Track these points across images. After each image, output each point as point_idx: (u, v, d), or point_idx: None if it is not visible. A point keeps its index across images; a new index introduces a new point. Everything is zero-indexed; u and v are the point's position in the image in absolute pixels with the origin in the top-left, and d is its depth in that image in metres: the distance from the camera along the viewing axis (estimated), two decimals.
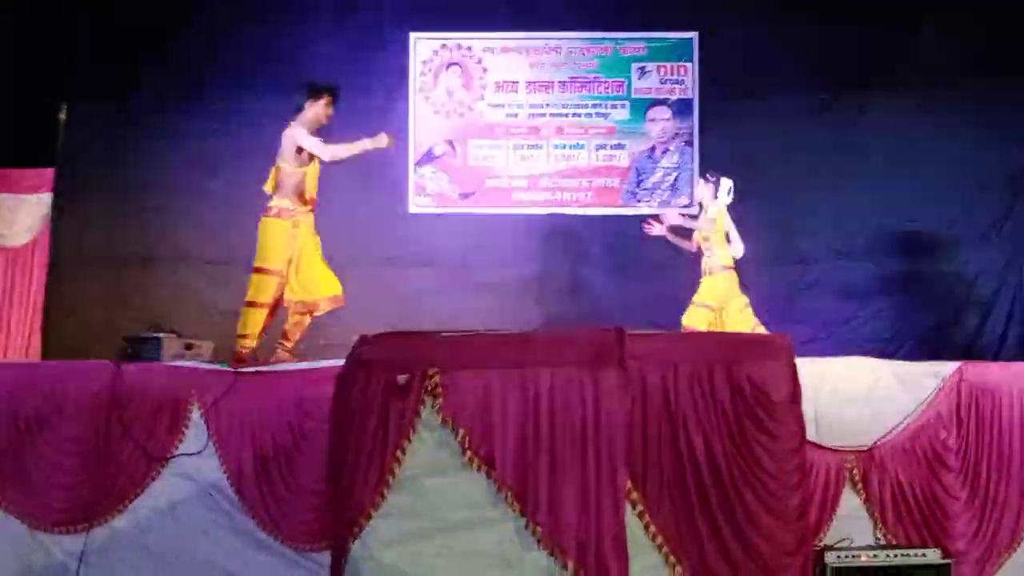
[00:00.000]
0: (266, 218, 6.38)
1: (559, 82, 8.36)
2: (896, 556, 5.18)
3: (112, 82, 8.04)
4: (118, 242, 7.84)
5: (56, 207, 7.92)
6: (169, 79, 8.03)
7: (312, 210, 6.47)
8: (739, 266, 6.90)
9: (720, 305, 6.80)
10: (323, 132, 7.79)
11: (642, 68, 8.36)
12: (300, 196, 6.40)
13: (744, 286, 6.88)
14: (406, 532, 4.64)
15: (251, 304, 6.37)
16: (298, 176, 6.39)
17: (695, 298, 6.91)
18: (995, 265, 7.83)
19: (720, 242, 6.99)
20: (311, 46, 8.16)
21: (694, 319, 6.78)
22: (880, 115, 8.01)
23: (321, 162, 6.48)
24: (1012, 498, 5.57)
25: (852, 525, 5.46)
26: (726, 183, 7.11)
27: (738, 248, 7.01)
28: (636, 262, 7.76)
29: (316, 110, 6.45)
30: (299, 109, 6.43)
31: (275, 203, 6.40)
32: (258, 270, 6.37)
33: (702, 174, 7.32)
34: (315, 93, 6.44)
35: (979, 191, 7.91)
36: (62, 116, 8.06)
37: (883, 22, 8.06)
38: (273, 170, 6.42)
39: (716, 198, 7.07)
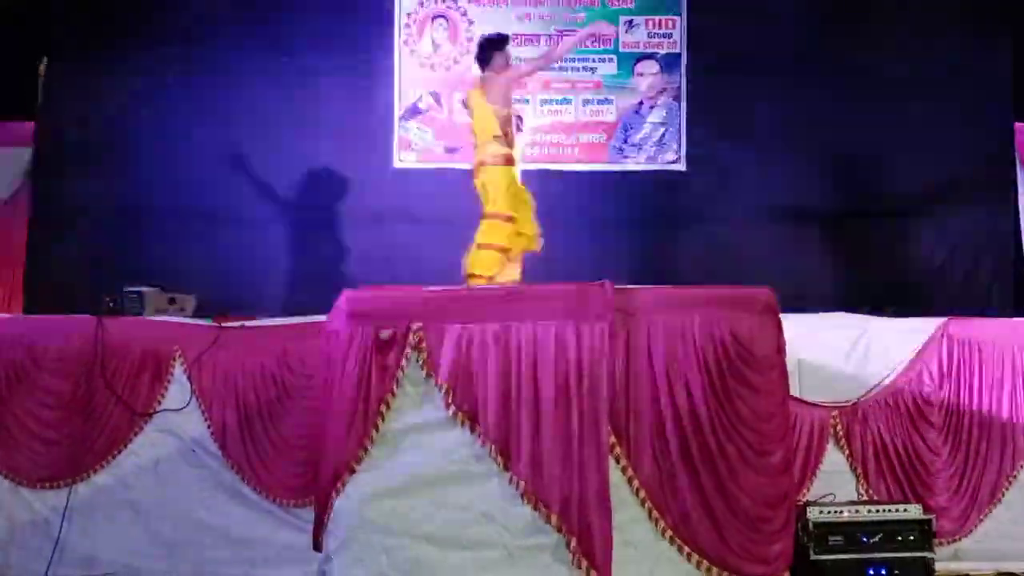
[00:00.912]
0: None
1: (546, 35, 8.26)
2: (878, 511, 5.22)
3: (92, 33, 7.90)
4: (100, 196, 7.73)
5: (36, 161, 7.82)
6: (151, 30, 7.89)
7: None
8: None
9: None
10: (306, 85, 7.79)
11: (630, 21, 8.26)
12: (507, 136, 6.40)
13: None
14: (389, 487, 4.64)
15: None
16: (503, 116, 6.38)
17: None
18: (982, 221, 7.82)
19: None
20: None
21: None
22: (869, 68, 7.93)
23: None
24: (994, 454, 5.62)
25: (835, 480, 5.51)
26: None
27: None
28: (622, 218, 7.73)
29: (504, 55, 6.50)
30: (485, 61, 6.46)
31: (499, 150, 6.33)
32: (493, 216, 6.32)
33: None
34: (498, 43, 6.52)
35: (967, 147, 7.87)
36: (41, 69, 7.93)
37: None
38: (493, 119, 6.33)
39: None
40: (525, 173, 7.97)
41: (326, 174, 7.90)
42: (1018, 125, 7.85)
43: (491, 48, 6.51)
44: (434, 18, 8.28)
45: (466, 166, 7.96)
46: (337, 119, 7.98)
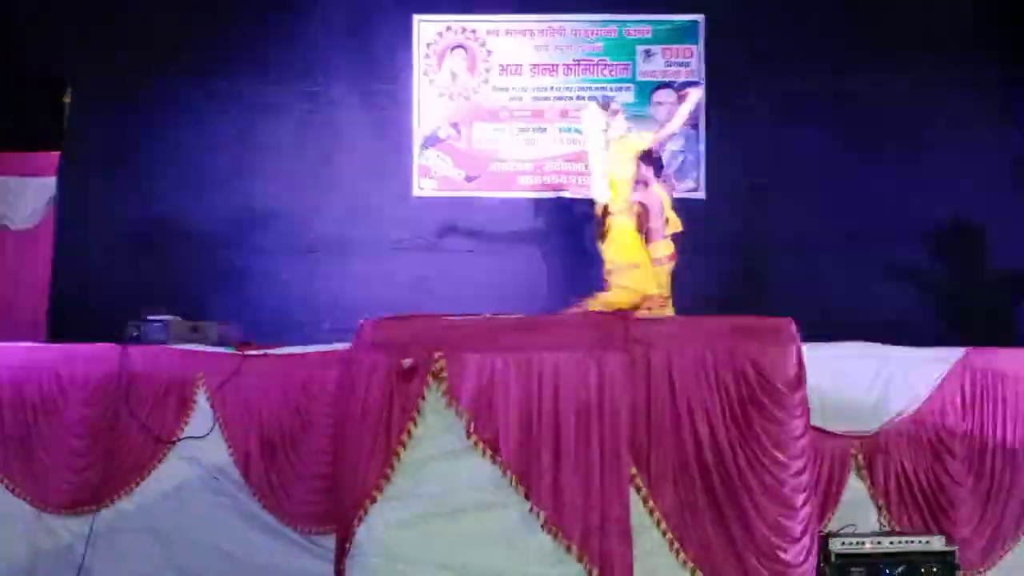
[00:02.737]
0: None
1: (564, 65, 8.30)
2: (900, 543, 5.18)
3: (118, 64, 8.00)
4: (124, 224, 7.81)
5: (61, 190, 7.90)
6: (174, 61, 7.99)
7: None
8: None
9: None
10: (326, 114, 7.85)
11: (647, 51, 8.31)
12: None
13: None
14: (410, 515, 4.65)
15: None
16: None
17: None
18: (1005, 250, 7.78)
19: None
20: (316, 28, 8.14)
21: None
22: (891, 98, 7.93)
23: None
24: (1017, 485, 5.56)
25: (856, 511, 5.46)
26: None
27: None
28: None
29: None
30: None
31: None
32: None
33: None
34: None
35: (991, 176, 7.84)
36: (67, 99, 8.04)
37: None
38: None
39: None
40: (542, 201, 8.06)
41: (346, 203, 7.96)
42: None
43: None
44: (453, 48, 8.35)
45: (485, 194, 8.05)
46: (357, 148, 8.05)
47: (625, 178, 6.55)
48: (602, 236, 6.56)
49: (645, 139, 6.71)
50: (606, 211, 6.53)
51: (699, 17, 8.24)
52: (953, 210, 7.87)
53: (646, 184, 6.80)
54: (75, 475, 5.64)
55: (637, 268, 6.42)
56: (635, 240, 6.50)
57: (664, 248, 6.74)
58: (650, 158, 6.93)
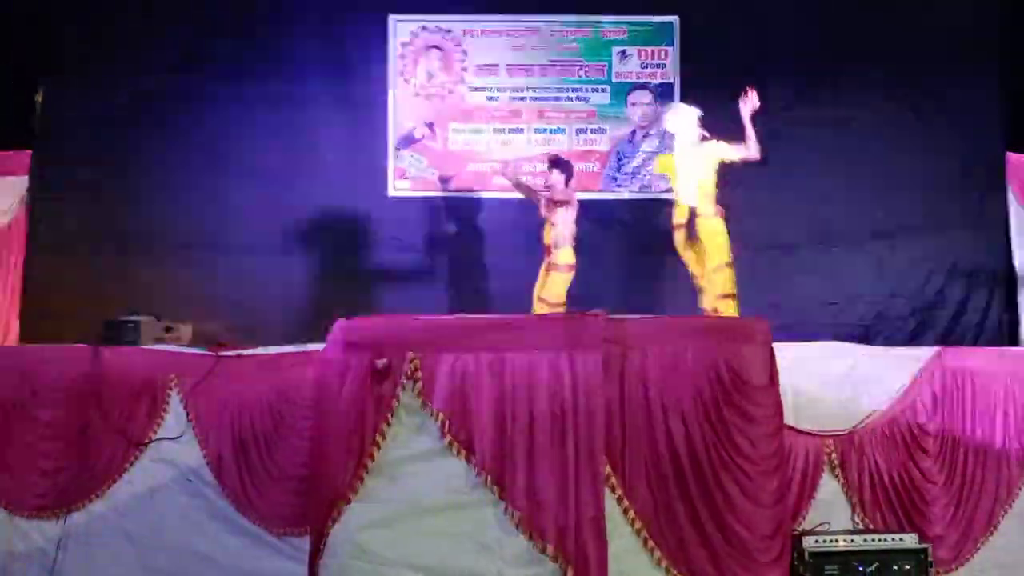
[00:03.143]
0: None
1: (540, 66, 8.31)
2: (874, 540, 5.22)
3: (90, 63, 7.95)
4: (96, 225, 7.76)
5: (33, 190, 7.83)
6: (146, 59, 7.94)
7: None
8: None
9: None
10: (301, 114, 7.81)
11: (623, 52, 8.34)
12: None
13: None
14: (385, 516, 4.64)
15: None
16: None
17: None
18: (975, 251, 7.86)
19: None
20: (290, 27, 8.11)
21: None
22: (862, 99, 8.00)
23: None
24: (989, 482, 5.64)
25: (830, 509, 5.51)
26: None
27: None
28: (616, 247, 7.77)
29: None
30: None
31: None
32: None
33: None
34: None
35: (960, 178, 7.92)
36: (39, 98, 7.97)
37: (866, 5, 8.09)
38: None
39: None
40: (519, 202, 8.06)
41: (322, 203, 7.93)
42: (1010, 155, 7.92)
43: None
44: (428, 48, 8.34)
45: (463, 194, 8.03)
46: (332, 148, 8.02)
47: (712, 180, 6.53)
48: (690, 239, 6.52)
49: (733, 152, 6.59)
50: (693, 214, 6.50)
51: (674, 18, 8.27)
52: (925, 213, 7.94)
53: (555, 198, 6.78)
54: (46, 478, 5.59)
55: (730, 267, 6.40)
56: (727, 240, 6.47)
57: (568, 256, 6.71)
58: (563, 164, 6.93)
